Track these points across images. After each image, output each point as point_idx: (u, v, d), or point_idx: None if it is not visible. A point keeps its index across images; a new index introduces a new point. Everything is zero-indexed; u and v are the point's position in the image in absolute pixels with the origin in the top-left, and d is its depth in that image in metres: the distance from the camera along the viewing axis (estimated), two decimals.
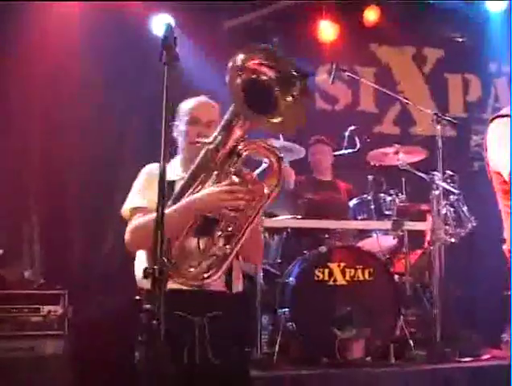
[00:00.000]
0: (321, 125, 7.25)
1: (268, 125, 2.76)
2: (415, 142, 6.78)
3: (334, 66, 5.98)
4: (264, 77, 2.75)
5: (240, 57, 2.71)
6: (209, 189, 2.79)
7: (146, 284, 2.79)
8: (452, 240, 5.78)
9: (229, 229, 2.81)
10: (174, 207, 2.81)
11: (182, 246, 2.83)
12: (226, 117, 2.78)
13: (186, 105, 3.21)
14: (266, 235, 5.75)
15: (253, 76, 2.74)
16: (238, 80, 2.69)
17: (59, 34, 6.49)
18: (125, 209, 3.09)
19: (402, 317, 5.38)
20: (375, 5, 7.69)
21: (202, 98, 3.24)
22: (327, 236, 5.86)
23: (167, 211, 2.68)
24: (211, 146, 2.77)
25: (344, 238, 5.93)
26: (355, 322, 5.14)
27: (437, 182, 5.65)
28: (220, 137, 2.77)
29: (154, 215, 2.69)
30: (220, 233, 2.82)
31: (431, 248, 5.67)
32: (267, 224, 5.59)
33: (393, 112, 7.98)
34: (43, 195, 6.50)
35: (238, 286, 3.10)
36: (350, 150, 6.38)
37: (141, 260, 3.02)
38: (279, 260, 5.84)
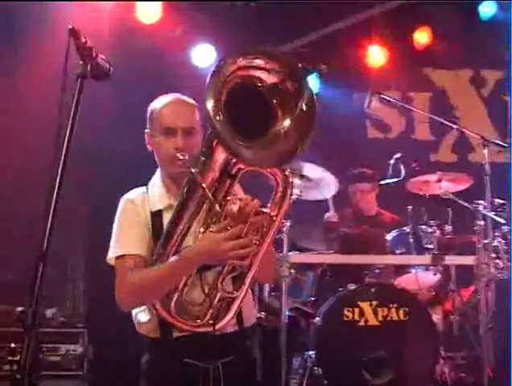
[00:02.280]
0: (373, 154, 6.95)
1: (251, 155, 2.30)
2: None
3: (370, 91, 5.62)
4: (257, 83, 2.34)
5: (223, 64, 2.28)
6: (208, 235, 2.41)
7: (145, 331, 2.64)
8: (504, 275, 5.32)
9: (235, 271, 2.49)
10: (168, 261, 2.48)
11: (183, 296, 2.52)
12: (206, 137, 2.40)
13: (156, 108, 2.67)
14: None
15: (242, 85, 2.31)
16: (219, 94, 2.25)
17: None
18: (111, 258, 2.64)
19: (441, 360, 4.95)
20: (426, 26, 7.27)
21: (174, 97, 2.68)
22: (366, 272, 5.45)
23: (162, 266, 2.49)
24: (194, 170, 2.36)
25: (386, 274, 5.51)
26: (388, 367, 4.73)
27: (483, 211, 5.19)
28: (203, 160, 2.38)
29: (148, 270, 2.53)
30: (224, 276, 2.48)
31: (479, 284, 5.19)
32: (299, 260, 5.27)
33: (450, 139, 7.53)
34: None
35: (251, 319, 2.77)
36: (395, 179, 5.97)
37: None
38: (313, 299, 5.48)
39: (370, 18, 7.15)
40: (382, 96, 5.77)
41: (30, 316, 1.98)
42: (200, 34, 6.94)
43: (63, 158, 2.15)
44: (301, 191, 5.30)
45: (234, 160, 2.35)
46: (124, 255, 2.59)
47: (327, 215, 6.06)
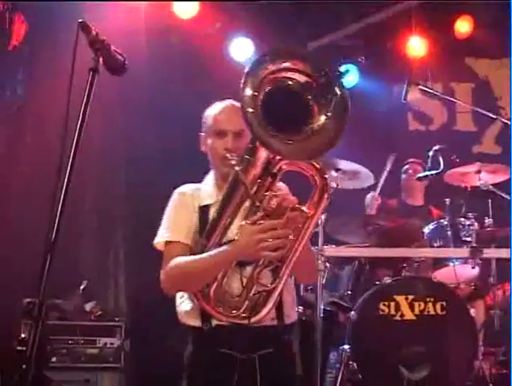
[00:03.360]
0: (414, 147, 6.86)
1: (291, 150, 2.39)
2: None
3: (407, 81, 5.52)
4: (291, 83, 2.42)
5: (258, 63, 2.38)
6: (244, 227, 2.50)
7: (189, 320, 2.75)
8: None
9: (272, 264, 2.56)
10: (212, 252, 2.59)
11: (222, 286, 2.63)
12: (250, 139, 2.50)
13: (210, 114, 2.88)
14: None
15: (275, 87, 2.40)
16: (254, 98, 2.34)
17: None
18: (159, 242, 2.82)
19: (481, 356, 4.84)
20: (468, 15, 7.13)
21: (228, 103, 2.88)
22: (403, 265, 5.37)
23: (204, 256, 2.60)
24: (238, 168, 2.48)
25: (423, 268, 5.41)
26: (425, 362, 4.63)
27: None
28: (247, 158, 2.48)
29: (190, 258, 2.66)
30: (262, 269, 2.57)
31: None
32: (334, 253, 5.23)
33: (493, 130, 7.39)
34: None
35: (292, 317, 2.83)
36: (434, 172, 5.86)
37: (180, 296, 2.81)
38: (350, 292, 5.41)
39: (410, 9, 7.04)
40: (420, 86, 5.66)
41: (37, 307, 1.98)
42: (237, 27, 6.93)
43: (73, 148, 2.15)
44: (337, 184, 5.26)
45: (276, 159, 2.45)
46: (172, 241, 2.76)
47: (369, 195, 6.07)
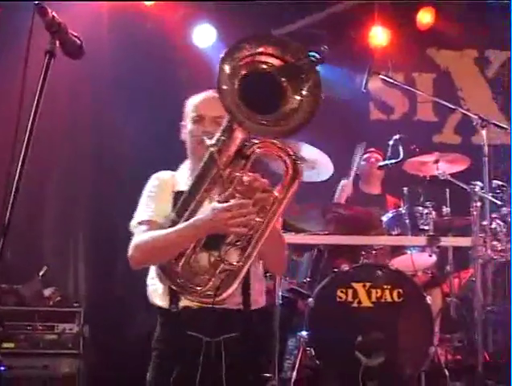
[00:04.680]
0: (376, 136, 6.90)
1: (266, 129, 2.46)
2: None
3: (368, 70, 5.56)
4: (265, 67, 2.48)
5: (233, 50, 2.42)
6: (214, 206, 2.55)
7: (158, 301, 2.79)
8: (502, 257, 5.28)
9: (239, 243, 2.59)
10: (178, 227, 2.61)
11: (191, 261, 2.65)
12: (226, 119, 2.53)
13: (191, 102, 2.96)
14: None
15: (252, 70, 2.46)
16: (232, 78, 2.40)
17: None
18: (132, 224, 2.88)
19: (437, 342, 4.92)
20: (430, 6, 7.19)
21: (208, 93, 2.92)
22: (362, 253, 5.42)
23: (171, 229, 2.63)
24: (213, 149, 2.52)
25: (381, 256, 5.47)
26: (382, 348, 4.68)
27: (479, 193, 5.14)
28: (222, 139, 2.53)
29: (159, 231, 2.69)
30: (230, 247, 2.60)
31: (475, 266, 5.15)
32: (294, 241, 5.25)
33: (453, 121, 7.47)
34: None
35: (259, 302, 2.87)
36: (393, 161, 5.92)
37: (151, 277, 2.85)
38: (308, 279, 5.46)
39: None
40: (381, 76, 5.71)
41: None
42: (201, 14, 6.92)
43: (28, 132, 2.14)
44: None
45: (250, 142, 2.52)
46: (140, 221, 2.82)
47: (342, 182, 6.17)
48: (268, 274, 5.28)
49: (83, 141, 6.70)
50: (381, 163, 6.06)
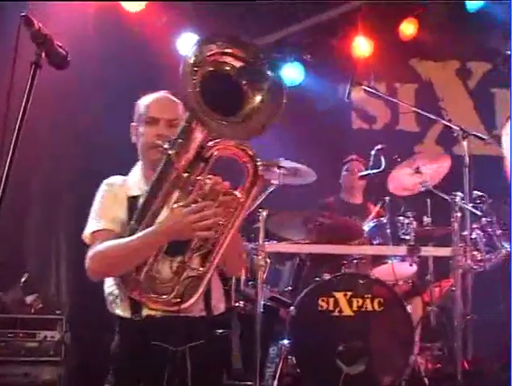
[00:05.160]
0: (358, 145, 6.96)
1: (227, 130, 2.42)
2: None
3: (350, 81, 5.61)
4: (228, 68, 2.45)
5: (197, 47, 2.39)
6: (175, 210, 2.50)
7: (118, 310, 2.72)
8: (481, 267, 5.34)
9: (203, 248, 2.56)
10: (139, 235, 2.54)
11: (152, 271, 2.59)
12: (185, 118, 2.49)
13: (142, 102, 2.88)
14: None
15: (214, 69, 2.42)
16: (194, 76, 2.36)
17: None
18: (85, 235, 2.80)
19: (417, 351, 4.97)
20: (413, 17, 7.25)
21: (161, 93, 2.89)
22: (343, 262, 5.45)
23: (132, 238, 2.55)
24: (171, 152, 2.46)
25: (362, 265, 5.51)
26: (362, 357, 4.72)
27: (459, 203, 5.19)
28: (180, 141, 2.47)
29: (118, 241, 2.61)
30: (193, 253, 2.57)
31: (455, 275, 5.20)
32: (275, 249, 5.29)
33: (435, 131, 7.53)
34: None
35: (220, 308, 2.83)
36: (375, 171, 5.97)
37: (109, 283, 2.77)
38: (290, 288, 5.48)
39: (357, 9, 7.14)
40: (363, 86, 5.76)
41: None
42: (185, 22, 6.93)
43: (14, 140, 2.15)
44: (279, 181, 5.35)
45: (209, 144, 2.45)
46: (94, 232, 2.73)
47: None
48: (251, 283, 5.34)
49: (67, 144, 6.68)
50: (363, 173, 6.10)
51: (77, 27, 6.17)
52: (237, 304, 5.34)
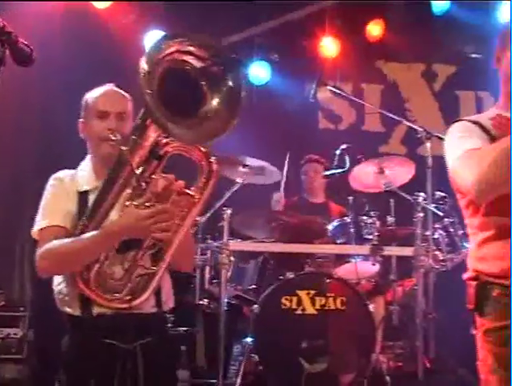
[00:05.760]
0: (323, 144, 6.98)
1: (183, 133, 2.39)
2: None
3: (316, 81, 5.64)
4: (188, 68, 2.41)
5: (157, 44, 2.35)
6: (131, 210, 2.47)
7: (68, 308, 2.67)
8: (443, 267, 5.41)
9: (155, 247, 2.55)
10: (92, 233, 2.52)
11: (103, 269, 2.58)
12: (140, 115, 2.46)
13: (91, 97, 2.83)
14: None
15: (173, 68, 2.37)
16: (152, 73, 2.31)
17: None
18: (34, 232, 2.74)
19: (379, 350, 5.02)
20: (379, 19, 7.31)
21: (109, 87, 2.85)
22: (307, 261, 5.49)
23: (84, 236, 2.52)
24: (125, 148, 2.43)
25: (326, 264, 5.55)
26: (325, 355, 4.76)
27: (422, 203, 5.26)
28: (134, 138, 2.44)
29: (71, 239, 2.58)
30: (145, 252, 2.56)
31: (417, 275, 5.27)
32: (239, 248, 5.31)
33: (400, 132, 7.59)
34: None
35: (170, 303, 2.82)
36: (340, 170, 6.01)
37: (59, 280, 2.73)
38: (254, 286, 5.50)
39: (324, 9, 7.20)
40: (328, 87, 5.80)
41: None
42: (152, 20, 6.92)
43: None
44: (244, 179, 5.37)
45: (163, 142, 2.44)
46: (43, 228, 2.68)
47: (275, 197, 6.14)
48: (215, 281, 5.36)
49: (31, 143, 6.64)
50: (327, 173, 6.14)
51: (44, 26, 6.15)
52: (201, 302, 5.38)
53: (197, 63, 2.41)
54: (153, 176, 2.46)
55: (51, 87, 6.51)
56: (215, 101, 2.42)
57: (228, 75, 2.42)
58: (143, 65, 2.29)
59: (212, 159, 2.53)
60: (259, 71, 7.33)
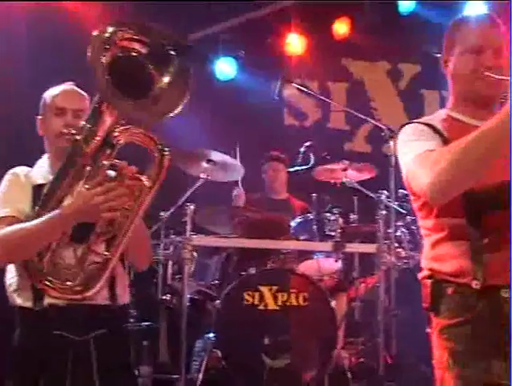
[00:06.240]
0: (288, 141, 7.01)
1: (137, 111, 2.44)
2: None
3: (280, 78, 5.66)
4: (134, 54, 2.45)
5: (104, 32, 2.39)
6: (82, 191, 2.47)
7: (19, 300, 2.63)
8: (405, 264, 5.47)
9: (108, 232, 2.53)
10: (44, 217, 2.49)
11: (56, 257, 2.55)
12: (93, 103, 2.48)
13: (49, 94, 2.86)
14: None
15: (121, 54, 2.42)
16: (102, 59, 2.35)
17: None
18: None
19: (339, 346, 5.04)
20: (346, 17, 7.35)
21: (68, 86, 2.88)
22: (271, 257, 5.49)
23: (37, 221, 2.49)
24: (79, 138, 2.46)
25: (289, 260, 5.55)
26: (287, 351, 4.76)
27: (385, 201, 5.30)
28: (88, 127, 2.46)
29: (17, 225, 2.55)
30: (97, 238, 2.54)
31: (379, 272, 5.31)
32: (202, 243, 5.30)
33: (365, 130, 7.64)
34: None
35: (124, 298, 2.80)
36: (304, 167, 6.04)
37: (11, 274, 2.70)
38: (217, 282, 5.51)
39: (290, 7, 7.21)
40: (293, 84, 5.82)
41: None
42: (116, 16, 6.86)
43: None
44: (208, 175, 5.37)
45: (117, 130, 2.46)
46: (1, 217, 2.66)
47: (234, 192, 6.13)
48: (177, 276, 5.36)
49: None
50: (291, 169, 6.18)
51: (10, 23, 6.08)
52: (163, 297, 5.36)
53: (144, 49, 2.46)
54: (105, 162, 2.47)
55: (16, 84, 6.43)
56: (164, 81, 2.47)
57: (174, 57, 2.47)
58: (94, 49, 2.34)
59: (166, 152, 2.53)
60: (225, 67, 7.33)
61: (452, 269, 2.33)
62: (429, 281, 2.42)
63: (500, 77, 2.35)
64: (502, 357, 2.22)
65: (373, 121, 5.91)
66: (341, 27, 7.43)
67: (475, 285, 2.27)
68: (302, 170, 5.99)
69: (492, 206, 2.30)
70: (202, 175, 5.40)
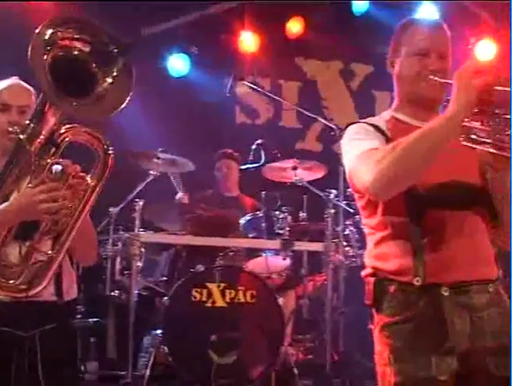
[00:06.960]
0: (240, 139, 7.01)
1: (80, 111, 2.40)
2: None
3: (232, 75, 5.67)
4: (76, 53, 2.40)
5: (46, 31, 2.32)
6: (24, 191, 2.44)
7: None
8: (353, 262, 5.53)
9: (53, 231, 2.49)
10: None
11: (0, 256, 2.49)
12: (37, 102, 2.45)
13: None
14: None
15: (63, 53, 2.37)
16: (44, 60, 2.30)
17: None
18: None
19: (287, 343, 5.08)
20: (299, 16, 7.38)
21: (13, 81, 2.81)
22: (220, 254, 5.50)
23: None
24: (23, 137, 2.41)
25: (238, 257, 5.57)
26: (234, 348, 4.78)
27: (334, 200, 5.35)
28: (32, 126, 2.42)
29: None
30: (42, 236, 2.50)
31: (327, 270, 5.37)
32: (150, 240, 5.30)
33: (316, 129, 7.67)
34: None
35: (71, 294, 2.77)
36: (255, 165, 6.06)
37: None
38: (166, 278, 5.50)
39: (244, 4, 7.21)
40: (245, 82, 5.83)
41: None
42: (76, 10, 6.78)
43: None
44: (157, 171, 5.37)
45: (61, 129, 2.42)
46: None
47: (178, 196, 6.11)
48: (126, 272, 5.33)
49: None
50: (243, 167, 6.19)
51: None
52: (111, 293, 5.34)
53: (86, 48, 2.43)
54: (48, 160, 2.44)
55: None
56: (107, 80, 2.45)
57: (117, 56, 2.44)
58: (35, 48, 2.28)
59: (110, 150, 2.51)
60: (178, 64, 7.30)
61: (395, 268, 2.37)
62: (372, 279, 2.45)
63: (444, 81, 2.40)
64: (442, 353, 2.27)
65: (323, 120, 5.94)
66: (295, 26, 7.45)
67: (416, 281, 2.31)
68: (253, 167, 6.00)
69: (434, 205, 2.34)
70: (152, 171, 5.39)
